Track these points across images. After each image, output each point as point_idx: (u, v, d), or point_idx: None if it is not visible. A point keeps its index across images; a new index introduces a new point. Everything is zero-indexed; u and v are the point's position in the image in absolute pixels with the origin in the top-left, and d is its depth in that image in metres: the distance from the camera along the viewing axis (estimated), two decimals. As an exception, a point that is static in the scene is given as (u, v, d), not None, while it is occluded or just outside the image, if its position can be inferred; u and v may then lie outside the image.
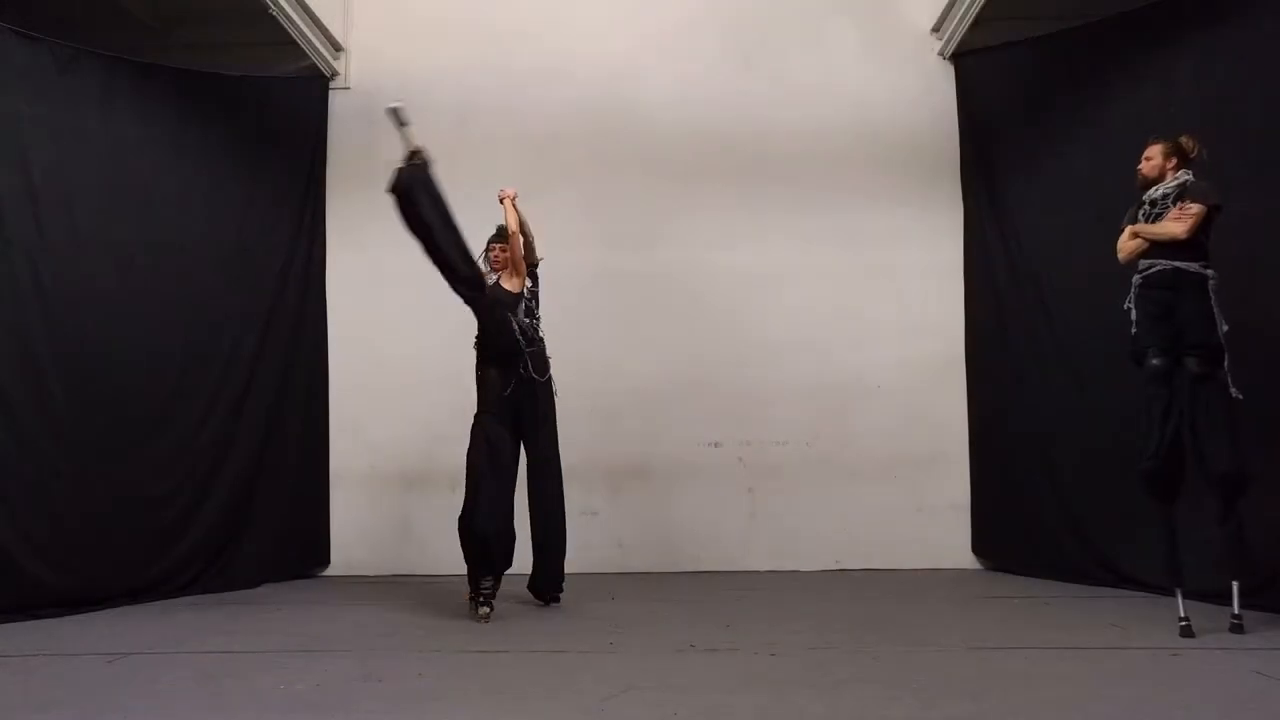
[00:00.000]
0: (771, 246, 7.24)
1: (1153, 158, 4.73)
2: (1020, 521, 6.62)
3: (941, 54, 7.28)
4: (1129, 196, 4.97)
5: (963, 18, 6.83)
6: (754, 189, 7.30)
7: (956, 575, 6.75)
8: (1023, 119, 6.77)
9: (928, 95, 7.27)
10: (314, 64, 7.27)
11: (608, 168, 7.38)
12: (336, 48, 7.42)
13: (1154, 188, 4.74)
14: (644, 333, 7.25)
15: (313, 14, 6.91)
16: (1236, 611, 4.51)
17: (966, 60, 7.19)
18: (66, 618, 5.49)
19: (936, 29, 7.26)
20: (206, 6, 7.10)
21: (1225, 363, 4.55)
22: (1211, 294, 4.56)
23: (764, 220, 7.28)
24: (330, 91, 7.47)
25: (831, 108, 7.25)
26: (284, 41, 6.93)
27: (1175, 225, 4.58)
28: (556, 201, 7.36)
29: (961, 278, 7.19)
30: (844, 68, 7.36)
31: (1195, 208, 4.56)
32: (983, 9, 6.59)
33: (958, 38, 7.03)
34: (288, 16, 6.69)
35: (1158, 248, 4.65)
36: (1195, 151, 4.70)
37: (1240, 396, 4.53)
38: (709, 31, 7.49)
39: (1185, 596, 4.62)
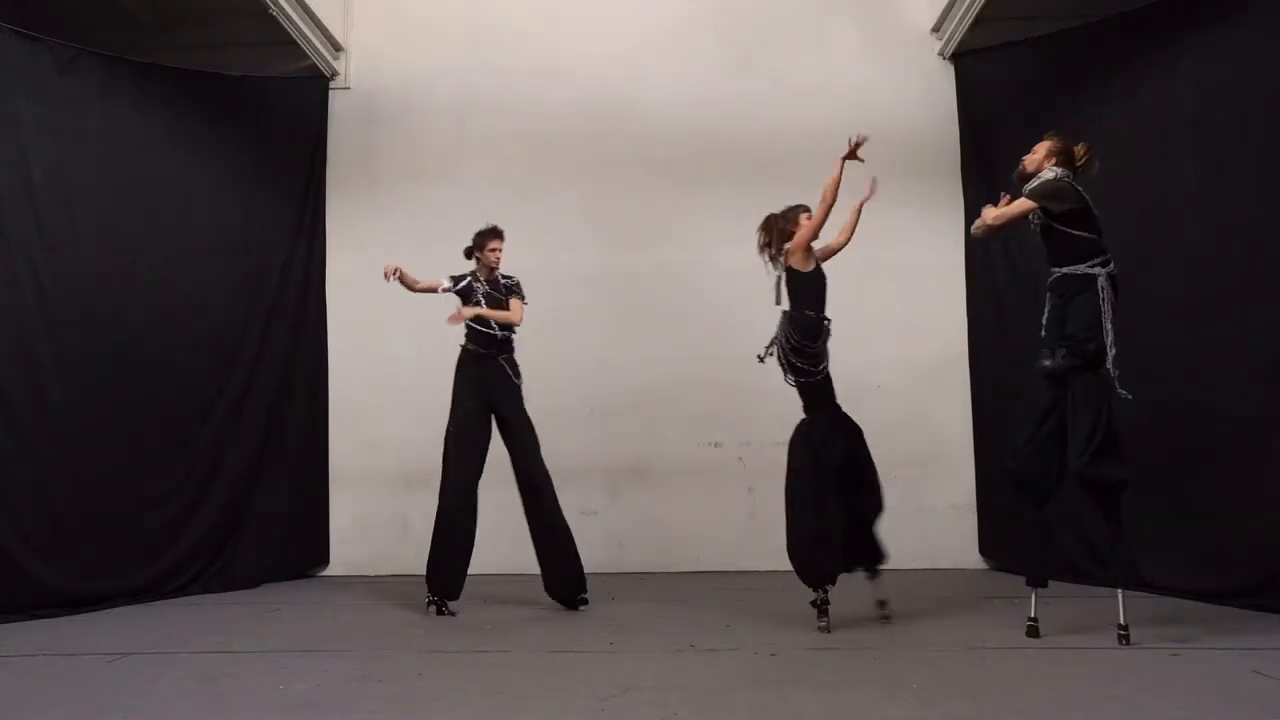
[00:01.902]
0: (771, 246, 7.23)
1: (1037, 151, 4.69)
2: (1020, 523, 6.60)
3: (941, 54, 7.28)
4: (1129, 196, 4.96)
5: (963, 18, 6.83)
6: (754, 189, 7.25)
7: (957, 575, 6.75)
8: (1023, 119, 6.75)
9: (928, 95, 7.27)
10: (314, 64, 7.27)
11: (608, 168, 7.38)
12: (336, 48, 7.43)
13: (1028, 184, 4.70)
14: (644, 332, 7.25)
15: (313, 14, 6.91)
16: (1123, 622, 4.39)
17: (966, 60, 7.20)
18: (66, 618, 5.49)
19: (936, 29, 7.26)
20: (206, 6, 7.10)
21: (1099, 361, 4.47)
22: (1100, 291, 4.48)
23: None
24: (330, 91, 7.47)
25: (831, 108, 7.24)
26: (284, 41, 6.93)
27: (987, 211, 4.73)
28: (556, 201, 7.38)
29: (963, 277, 7.19)
30: (844, 68, 7.36)
31: (1019, 203, 4.58)
32: (983, 9, 6.59)
33: (958, 38, 7.04)
34: (288, 16, 6.69)
35: (1049, 253, 4.66)
36: (1084, 160, 4.66)
37: (1129, 397, 4.45)
38: (709, 32, 7.49)
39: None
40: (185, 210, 6.63)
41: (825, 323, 5.04)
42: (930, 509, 7.03)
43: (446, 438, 5.68)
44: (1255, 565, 5.04)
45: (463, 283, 5.79)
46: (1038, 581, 4.64)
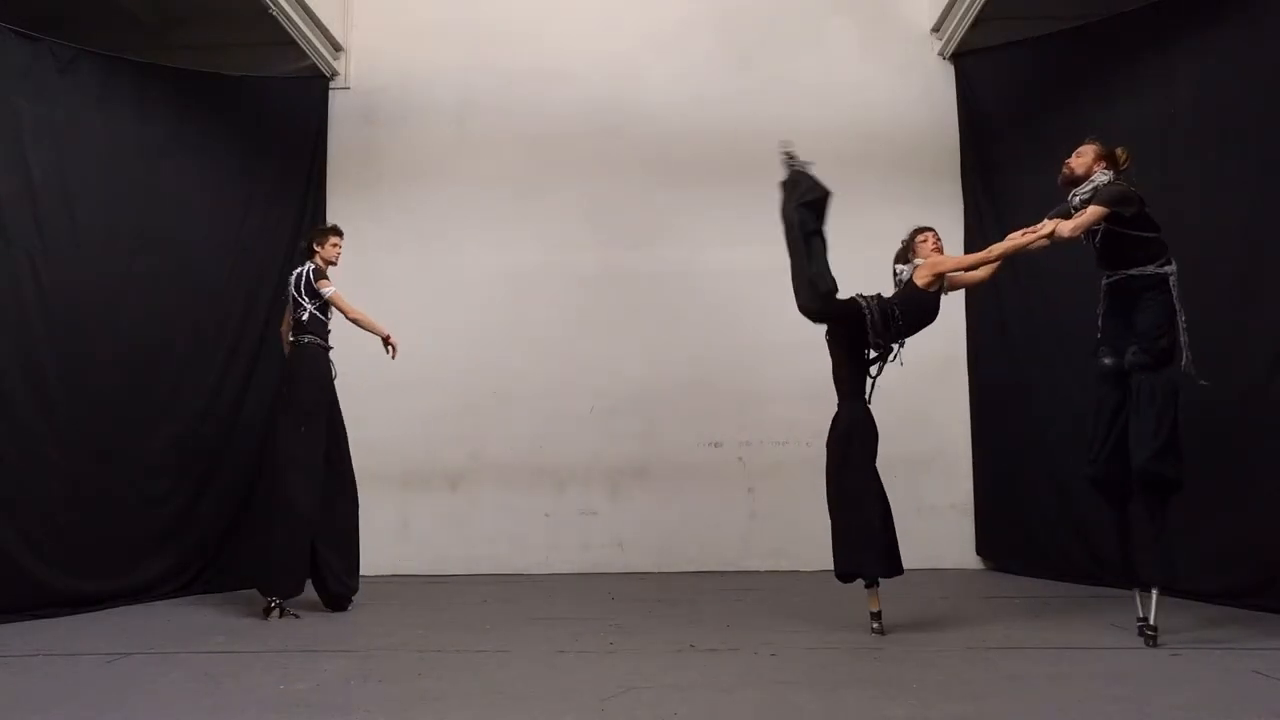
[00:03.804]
0: (772, 246, 7.18)
1: (1084, 155, 4.67)
2: (1021, 521, 6.62)
3: (941, 54, 7.28)
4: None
5: (963, 18, 6.83)
6: (754, 189, 7.23)
7: (957, 575, 6.75)
8: (1023, 119, 6.77)
9: (928, 95, 7.27)
10: (314, 64, 7.27)
11: (608, 168, 7.39)
12: (336, 48, 7.43)
13: (1079, 188, 4.67)
14: (644, 332, 7.25)
15: (313, 14, 6.91)
16: (1152, 621, 4.39)
17: (966, 60, 7.20)
18: (66, 618, 5.49)
19: (936, 29, 7.26)
20: (206, 6, 7.11)
21: (1179, 360, 4.48)
22: (1172, 290, 4.50)
23: (764, 220, 7.20)
24: (330, 91, 7.47)
25: (831, 108, 7.24)
26: (284, 41, 6.93)
27: (1062, 226, 4.56)
28: (556, 201, 7.38)
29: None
30: (844, 68, 7.36)
31: (1093, 210, 4.49)
32: (983, 9, 6.59)
33: (958, 38, 7.04)
34: (288, 16, 6.69)
35: (1106, 258, 4.62)
36: (1126, 163, 4.65)
37: (1207, 384, 4.48)
38: (709, 32, 7.49)
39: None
40: (185, 210, 6.63)
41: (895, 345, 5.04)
42: (930, 509, 7.03)
43: (293, 436, 5.63)
44: (1255, 565, 5.04)
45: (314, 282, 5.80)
46: (1133, 583, 4.59)
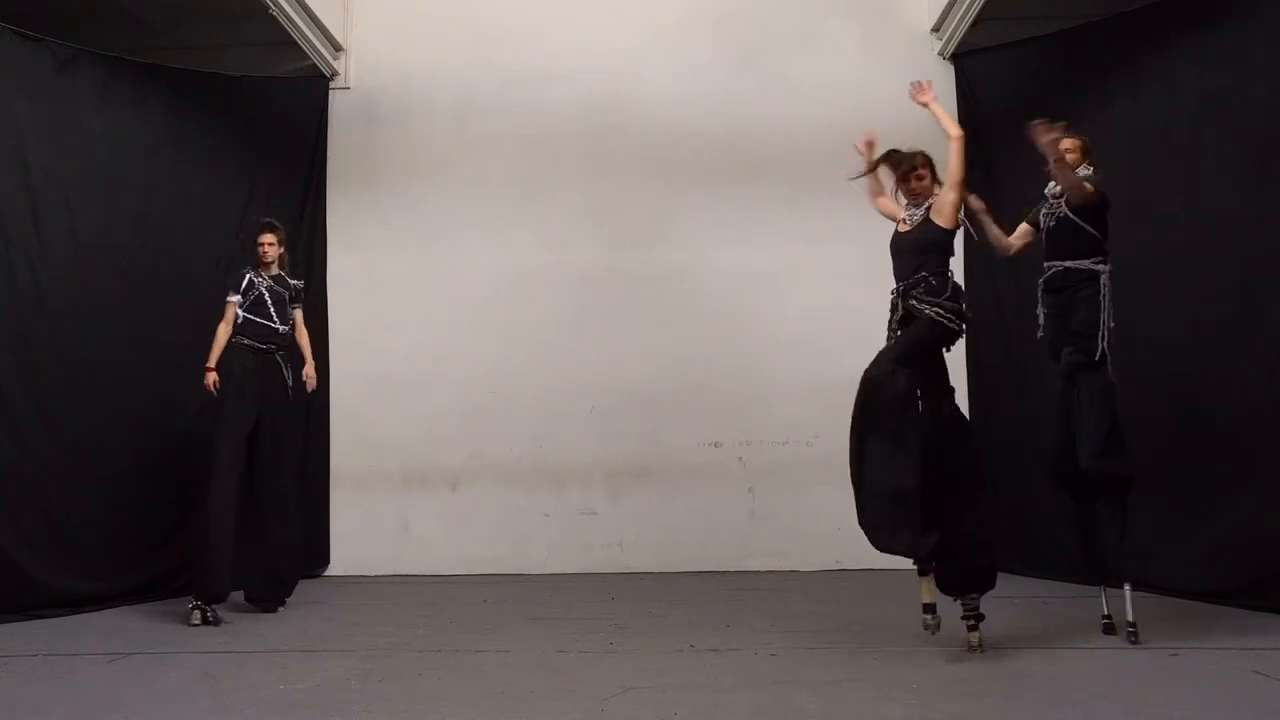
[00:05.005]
0: (772, 246, 7.24)
1: (1075, 151, 4.66)
2: (1021, 521, 6.61)
3: (941, 54, 7.28)
4: (1128, 195, 4.97)
5: (963, 18, 6.82)
6: (754, 189, 7.30)
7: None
8: (1023, 119, 6.73)
9: (928, 95, 7.26)
10: (314, 64, 7.27)
11: (608, 167, 7.38)
12: (336, 48, 7.42)
13: (1052, 184, 4.71)
14: (644, 332, 7.24)
15: (313, 14, 6.90)
16: (1130, 618, 4.42)
17: (966, 60, 7.19)
18: (66, 618, 5.49)
19: (936, 29, 7.25)
20: (206, 6, 7.10)
21: (1105, 358, 4.49)
22: (1102, 288, 4.52)
23: (764, 220, 7.28)
24: (330, 91, 7.47)
25: (831, 107, 7.23)
26: (284, 41, 6.93)
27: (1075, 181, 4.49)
28: (556, 201, 7.38)
29: (962, 277, 7.17)
30: (844, 67, 7.35)
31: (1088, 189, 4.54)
32: (983, 9, 6.59)
33: (958, 38, 7.03)
34: (288, 16, 6.68)
35: (1052, 248, 4.67)
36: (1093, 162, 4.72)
37: (1117, 383, 4.48)
38: (709, 32, 7.49)
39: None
40: (185, 210, 6.63)
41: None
42: (930, 509, 7.01)
43: (214, 436, 5.58)
44: (1255, 565, 5.04)
45: (245, 285, 5.69)
46: (1102, 580, 4.64)
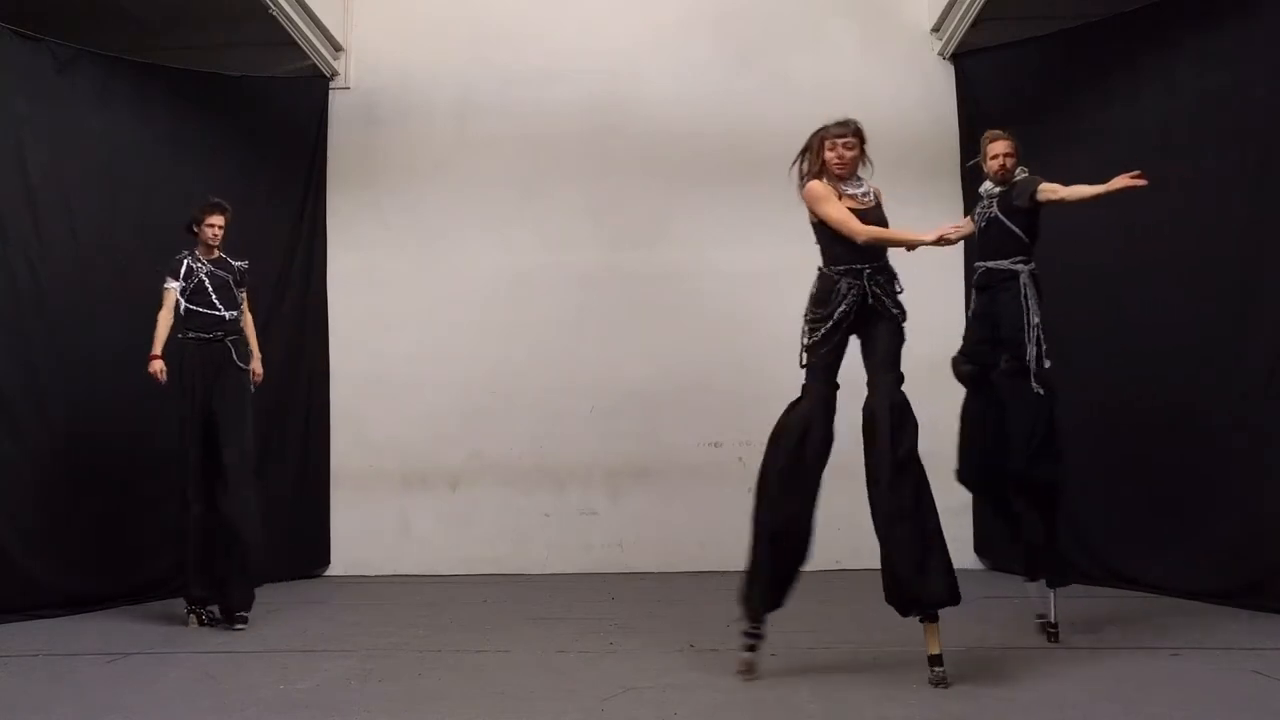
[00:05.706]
0: (772, 246, 7.21)
1: (1015, 155, 4.64)
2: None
3: (941, 54, 7.28)
4: (1129, 196, 4.96)
5: (963, 18, 6.82)
6: (754, 189, 7.26)
7: (956, 575, 6.73)
8: (1023, 119, 6.74)
9: (928, 95, 7.26)
10: (314, 64, 7.27)
11: (608, 167, 7.38)
12: (336, 48, 7.42)
13: (989, 183, 4.70)
14: (643, 332, 7.24)
15: (313, 14, 6.90)
16: (1053, 619, 4.46)
17: (966, 60, 7.19)
18: (66, 618, 5.49)
19: (936, 29, 7.25)
20: (206, 6, 7.10)
21: (1039, 359, 4.51)
22: (1023, 287, 4.52)
23: (764, 219, 7.25)
24: (330, 91, 7.46)
25: (831, 107, 7.16)
26: (284, 41, 6.93)
27: (1074, 189, 4.46)
28: (556, 201, 7.38)
29: (961, 277, 7.17)
30: (844, 68, 7.35)
31: (1078, 189, 4.47)
32: (983, 9, 6.58)
33: (958, 38, 7.03)
34: (288, 16, 6.68)
35: (981, 246, 4.69)
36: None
37: (1041, 392, 4.46)
38: (709, 32, 7.48)
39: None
40: (185, 210, 6.52)
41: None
42: (930, 509, 7.01)
43: (180, 438, 5.36)
44: (1255, 565, 5.04)
45: (183, 270, 5.29)
46: (1031, 577, 4.68)
